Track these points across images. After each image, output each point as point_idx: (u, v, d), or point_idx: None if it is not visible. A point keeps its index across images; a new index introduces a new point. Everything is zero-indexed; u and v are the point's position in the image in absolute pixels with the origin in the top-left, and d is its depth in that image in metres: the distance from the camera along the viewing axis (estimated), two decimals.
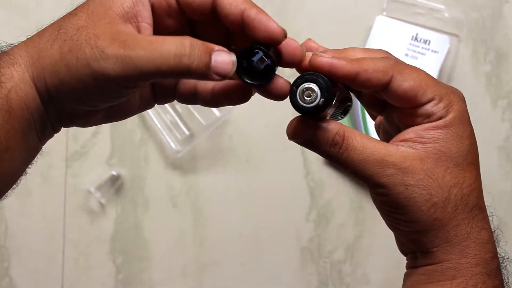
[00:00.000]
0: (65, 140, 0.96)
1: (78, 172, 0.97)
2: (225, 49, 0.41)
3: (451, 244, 0.42)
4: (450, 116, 0.42)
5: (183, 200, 0.96)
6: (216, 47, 0.41)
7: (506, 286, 0.45)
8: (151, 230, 0.96)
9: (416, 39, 0.95)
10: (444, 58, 0.94)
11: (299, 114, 0.43)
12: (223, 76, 0.41)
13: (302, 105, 0.42)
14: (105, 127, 0.97)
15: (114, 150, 0.97)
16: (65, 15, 0.42)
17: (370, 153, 0.42)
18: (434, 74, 0.93)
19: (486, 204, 0.45)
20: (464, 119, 0.43)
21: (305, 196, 0.95)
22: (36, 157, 0.46)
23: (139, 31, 0.42)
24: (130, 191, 0.96)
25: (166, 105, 0.96)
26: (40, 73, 0.41)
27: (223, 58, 0.41)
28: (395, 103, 0.44)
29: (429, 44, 0.94)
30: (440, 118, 0.42)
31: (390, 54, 0.46)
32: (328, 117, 0.45)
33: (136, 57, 0.39)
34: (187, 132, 0.96)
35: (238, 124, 0.97)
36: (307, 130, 0.43)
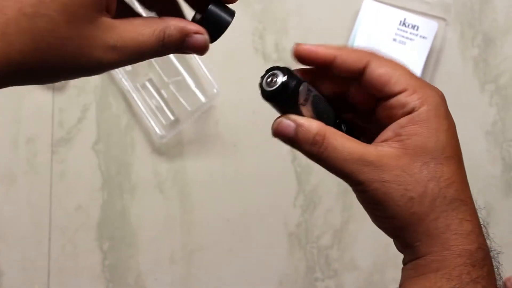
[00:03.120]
0: (50, 126, 0.95)
1: (64, 158, 0.96)
2: (200, 30, 0.44)
3: (431, 237, 0.43)
4: (424, 109, 0.43)
5: (169, 186, 0.96)
6: (192, 29, 0.44)
7: (498, 277, 0.45)
8: (138, 216, 0.96)
9: (404, 24, 0.94)
10: (432, 43, 0.93)
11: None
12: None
13: (267, 89, 0.45)
14: (91, 113, 0.96)
15: (100, 136, 0.96)
16: None
17: (349, 152, 0.43)
18: (422, 60, 0.93)
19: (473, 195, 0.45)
20: (440, 113, 0.44)
21: (292, 182, 0.95)
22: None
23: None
24: (117, 177, 0.96)
25: (151, 89, 0.96)
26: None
27: (197, 40, 0.44)
28: (370, 89, 0.45)
29: (417, 29, 0.94)
30: (413, 109, 0.43)
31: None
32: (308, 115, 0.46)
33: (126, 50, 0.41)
34: (172, 117, 0.95)
35: (224, 109, 0.96)
36: (288, 128, 0.45)
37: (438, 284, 0.42)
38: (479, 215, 0.45)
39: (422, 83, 0.45)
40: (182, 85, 0.96)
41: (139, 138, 0.96)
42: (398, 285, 0.46)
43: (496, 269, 0.45)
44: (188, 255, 0.96)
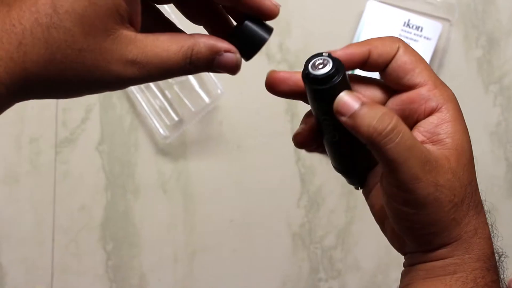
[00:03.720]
0: (54, 127, 0.96)
1: (67, 158, 0.96)
2: (231, 48, 0.42)
3: (460, 242, 0.42)
4: (450, 106, 0.42)
5: (173, 187, 0.96)
6: (223, 47, 0.41)
7: (502, 282, 0.45)
8: (141, 217, 0.96)
9: (408, 25, 0.94)
10: (436, 44, 0.93)
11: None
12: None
13: (313, 74, 0.41)
14: (95, 113, 0.96)
15: (104, 137, 0.96)
16: None
17: (415, 143, 0.40)
18: (426, 60, 0.92)
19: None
20: (461, 112, 0.43)
21: (296, 182, 0.95)
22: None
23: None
24: (120, 177, 0.96)
25: (155, 90, 0.95)
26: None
27: (227, 58, 0.42)
28: (391, 76, 0.43)
29: (421, 30, 0.93)
30: (437, 105, 0.42)
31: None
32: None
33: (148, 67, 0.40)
34: (176, 118, 0.95)
35: (228, 110, 0.96)
36: (357, 100, 0.40)
37: (453, 287, 0.42)
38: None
39: (441, 81, 0.43)
40: (186, 86, 0.96)
41: (143, 138, 0.96)
42: (398, 284, 0.46)
43: (502, 274, 0.45)
44: (191, 255, 0.96)
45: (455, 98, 0.43)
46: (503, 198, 0.95)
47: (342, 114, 0.40)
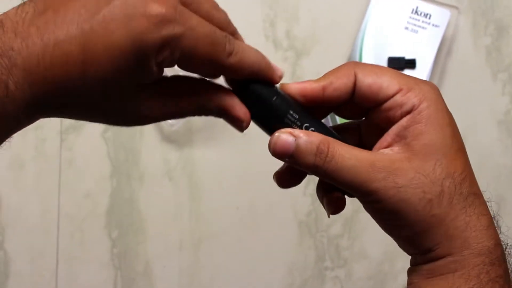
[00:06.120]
0: None
1: (72, 145, 0.96)
2: (243, 118, 0.43)
3: (452, 238, 0.41)
4: (424, 105, 0.42)
5: (179, 174, 0.95)
6: (237, 114, 0.43)
7: (511, 273, 0.44)
8: (146, 204, 0.96)
9: (416, 12, 0.93)
10: (444, 31, 0.93)
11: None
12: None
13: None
14: None
15: None
16: None
17: (358, 159, 0.41)
18: (434, 48, 0.92)
19: (482, 188, 0.44)
20: (440, 107, 0.43)
21: None
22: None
23: None
24: (125, 165, 0.96)
25: None
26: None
27: (235, 125, 0.44)
28: (364, 102, 0.43)
29: (429, 18, 0.93)
30: (412, 107, 0.42)
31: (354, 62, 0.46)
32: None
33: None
34: None
35: None
36: (287, 142, 0.43)
37: (456, 285, 0.41)
38: (489, 208, 0.44)
39: (415, 80, 0.43)
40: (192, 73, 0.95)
41: (148, 125, 0.95)
42: (406, 284, 0.45)
43: (510, 265, 0.44)
44: (196, 243, 0.95)
45: (435, 93, 0.43)
46: (510, 188, 0.94)
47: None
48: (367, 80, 0.43)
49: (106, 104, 0.39)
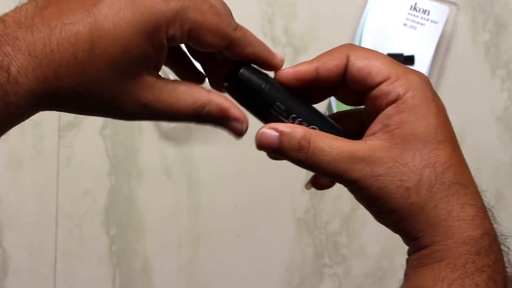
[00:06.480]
0: None
1: (71, 143, 0.96)
2: (241, 118, 0.45)
3: (433, 226, 0.41)
4: (409, 95, 0.42)
5: (177, 171, 0.95)
6: (233, 115, 0.45)
7: (507, 263, 0.43)
8: (145, 201, 0.96)
9: (415, 8, 0.93)
10: (443, 28, 0.92)
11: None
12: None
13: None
14: None
15: (108, 121, 0.96)
16: None
17: (338, 152, 0.42)
18: (433, 45, 0.92)
19: (478, 179, 0.44)
20: (427, 97, 0.43)
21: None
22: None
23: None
24: (124, 162, 0.96)
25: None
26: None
27: (235, 127, 0.46)
28: (354, 85, 0.44)
29: (428, 14, 0.92)
30: (397, 96, 0.42)
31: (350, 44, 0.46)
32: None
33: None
34: None
35: None
36: (271, 138, 0.44)
37: (442, 275, 0.41)
38: (483, 198, 0.43)
39: (405, 69, 0.43)
40: None
41: (147, 122, 0.96)
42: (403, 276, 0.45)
43: (505, 255, 0.43)
44: (195, 240, 0.95)
45: (423, 83, 0.43)
46: (509, 184, 0.94)
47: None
48: (357, 64, 0.43)
49: (110, 87, 0.40)
